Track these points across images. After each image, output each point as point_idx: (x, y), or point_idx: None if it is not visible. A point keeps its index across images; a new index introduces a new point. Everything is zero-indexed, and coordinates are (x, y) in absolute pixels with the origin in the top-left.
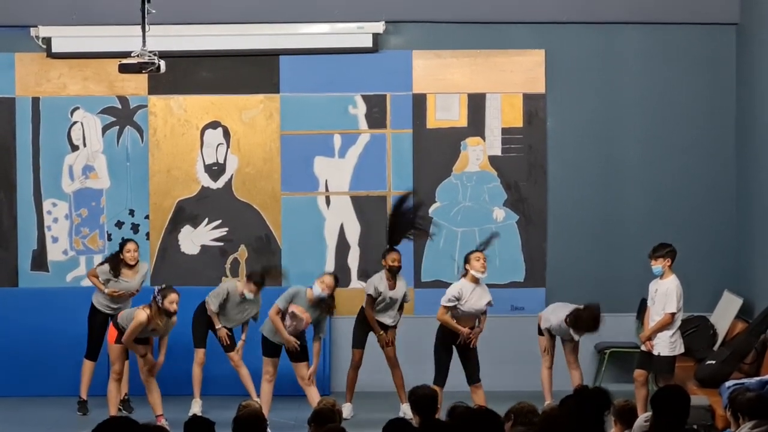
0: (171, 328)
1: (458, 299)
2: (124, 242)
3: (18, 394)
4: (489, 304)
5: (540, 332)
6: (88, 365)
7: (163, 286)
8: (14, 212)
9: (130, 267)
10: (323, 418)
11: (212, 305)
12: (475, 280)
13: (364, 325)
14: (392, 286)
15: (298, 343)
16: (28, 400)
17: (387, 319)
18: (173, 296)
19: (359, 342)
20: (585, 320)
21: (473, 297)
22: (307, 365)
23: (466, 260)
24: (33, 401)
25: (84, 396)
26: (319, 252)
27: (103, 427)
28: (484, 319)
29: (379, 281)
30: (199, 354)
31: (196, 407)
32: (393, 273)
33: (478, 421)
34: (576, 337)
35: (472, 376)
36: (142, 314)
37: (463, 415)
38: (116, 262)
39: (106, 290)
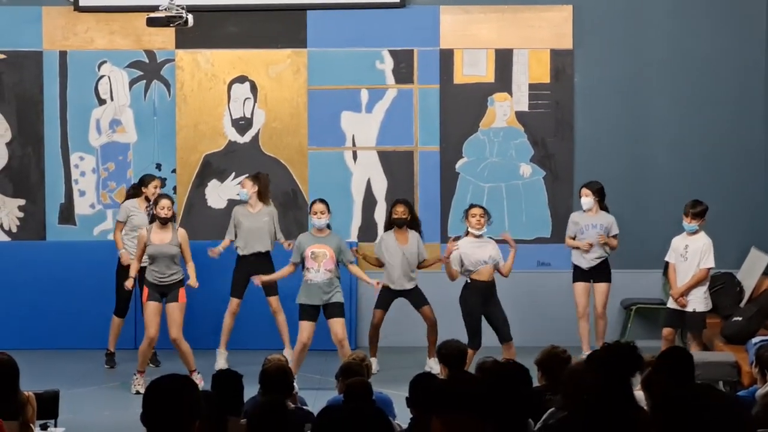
0: (186, 244)
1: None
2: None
3: (46, 347)
4: (493, 257)
5: (575, 279)
6: (116, 321)
7: (158, 195)
8: (42, 166)
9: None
10: (352, 373)
11: (227, 235)
12: (475, 235)
13: (390, 289)
14: (403, 240)
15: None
16: (55, 352)
17: (405, 282)
18: (164, 202)
19: (382, 303)
20: None
21: (474, 250)
22: (344, 323)
23: (465, 216)
24: (61, 354)
25: (112, 349)
26: (346, 207)
27: (159, 384)
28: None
29: (386, 237)
30: (233, 303)
31: (221, 360)
32: (399, 225)
33: (506, 374)
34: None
35: (504, 336)
36: (141, 230)
37: (492, 368)
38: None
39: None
